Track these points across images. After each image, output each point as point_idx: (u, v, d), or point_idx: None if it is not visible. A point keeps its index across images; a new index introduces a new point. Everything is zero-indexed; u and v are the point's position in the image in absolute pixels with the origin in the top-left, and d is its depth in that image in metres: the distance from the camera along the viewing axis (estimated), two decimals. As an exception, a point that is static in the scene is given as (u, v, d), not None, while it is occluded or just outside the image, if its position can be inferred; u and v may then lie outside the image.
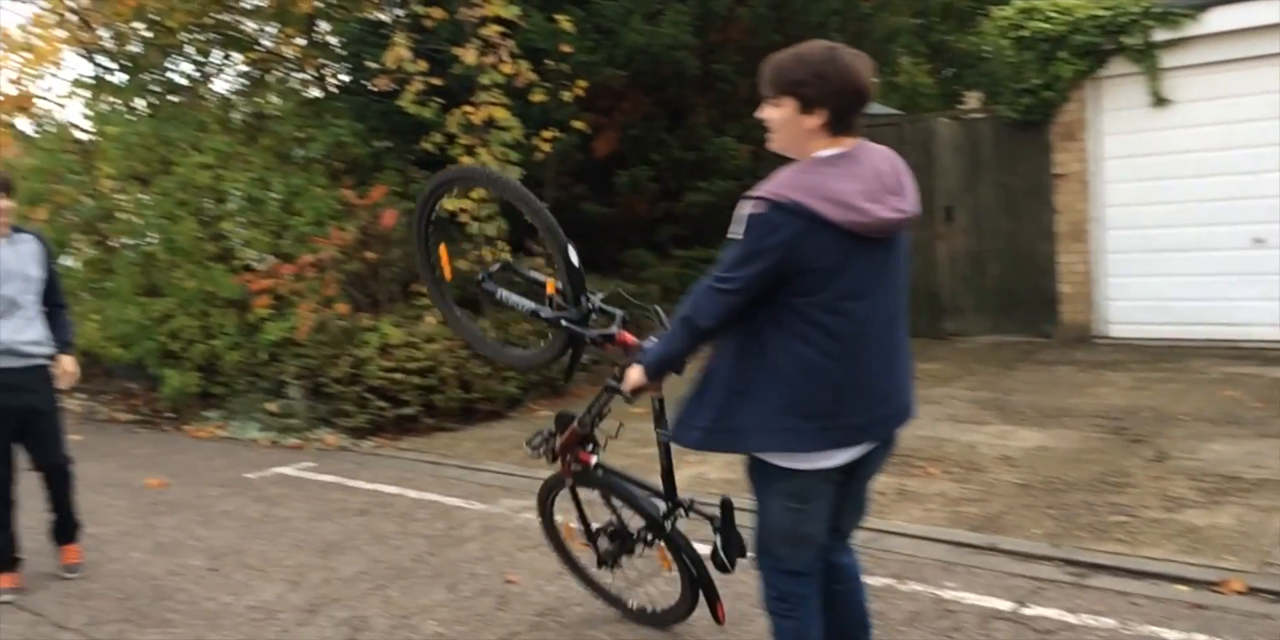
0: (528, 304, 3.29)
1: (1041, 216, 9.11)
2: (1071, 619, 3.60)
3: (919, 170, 2.52)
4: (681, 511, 3.30)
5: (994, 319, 9.58)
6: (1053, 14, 8.64)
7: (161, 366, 8.43)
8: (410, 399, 7.42)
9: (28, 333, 4.51)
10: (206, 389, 8.39)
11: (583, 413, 3.35)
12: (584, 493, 3.64)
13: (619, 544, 3.56)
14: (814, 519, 2.64)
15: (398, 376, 7.36)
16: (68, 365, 4.63)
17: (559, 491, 3.71)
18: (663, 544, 3.37)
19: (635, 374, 2.75)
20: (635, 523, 3.48)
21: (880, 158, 2.52)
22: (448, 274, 3.66)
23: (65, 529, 4.88)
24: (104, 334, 8.62)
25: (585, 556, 3.78)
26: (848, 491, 2.71)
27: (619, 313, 3.15)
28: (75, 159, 9.40)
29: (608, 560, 3.64)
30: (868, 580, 3.90)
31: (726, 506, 3.10)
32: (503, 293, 3.39)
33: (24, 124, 9.81)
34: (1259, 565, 3.91)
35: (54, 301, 4.70)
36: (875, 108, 13.33)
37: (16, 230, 4.60)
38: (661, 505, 3.33)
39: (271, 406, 7.81)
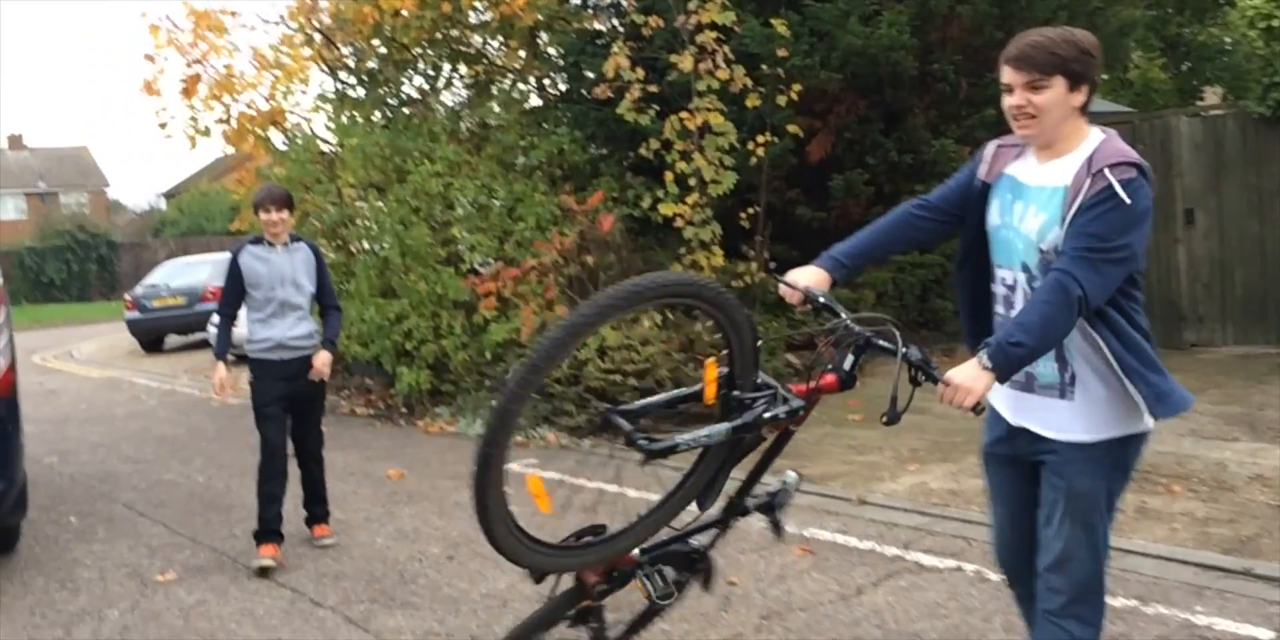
0: (720, 427, 2.66)
1: (1295, 218, 8.47)
2: (1342, 653, 3.35)
3: (1156, 171, 2.46)
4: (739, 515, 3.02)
5: (1241, 328, 8.94)
6: (1310, 1, 8.01)
7: (396, 364, 8.93)
8: (627, 400, 7.55)
9: (298, 329, 5.03)
10: (437, 386, 8.82)
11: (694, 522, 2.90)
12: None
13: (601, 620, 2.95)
14: None
15: (615, 378, 7.53)
16: (319, 359, 5.07)
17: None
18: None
19: (985, 379, 2.27)
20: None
21: None
22: (544, 506, 2.72)
23: (317, 510, 5.35)
24: (345, 333, 9.19)
25: None
26: None
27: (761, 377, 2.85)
28: (321, 169, 10.06)
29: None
30: (1109, 601, 3.75)
31: (797, 481, 3.07)
32: (682, 438, 2.59)
33: (275, 137, 10.57)
34: None
35: (326, 303, 5.22)
36: (1105, 105, 12.64)
37: (294, 239, 5.09)
38: (704, 538, 3.01)
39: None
